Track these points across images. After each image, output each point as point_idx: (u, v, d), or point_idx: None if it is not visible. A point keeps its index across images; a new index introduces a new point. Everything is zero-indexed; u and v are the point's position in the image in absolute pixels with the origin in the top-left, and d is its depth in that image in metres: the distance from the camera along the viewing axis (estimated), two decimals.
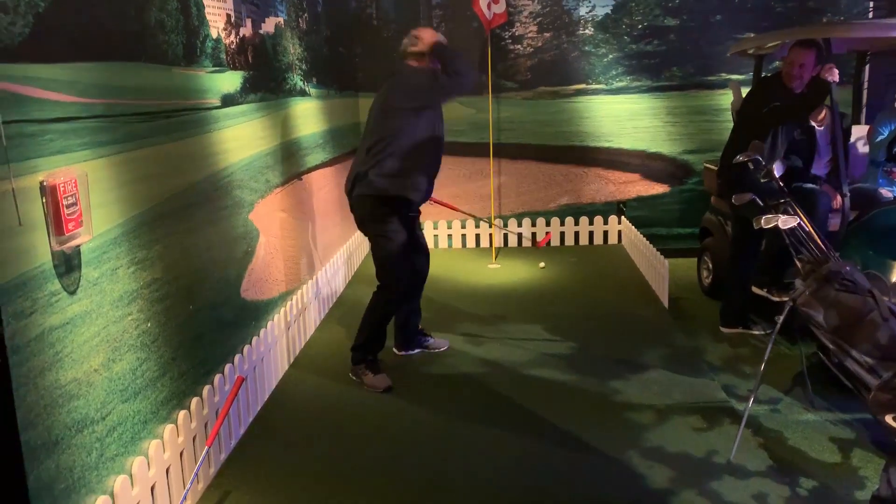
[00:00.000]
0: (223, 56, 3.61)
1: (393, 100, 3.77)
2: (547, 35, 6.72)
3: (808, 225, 3.25)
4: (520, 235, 6.81)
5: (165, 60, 2.96)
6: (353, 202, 3.89)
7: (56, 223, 2.08)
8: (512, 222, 6.88)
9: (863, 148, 4.89)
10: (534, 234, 6.86)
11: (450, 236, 6.95)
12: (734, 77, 6.42)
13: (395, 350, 4.31)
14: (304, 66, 5.13)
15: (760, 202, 3.52)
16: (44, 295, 2.06)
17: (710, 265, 5.22)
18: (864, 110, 5.32)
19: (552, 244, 6.87)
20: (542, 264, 5.34)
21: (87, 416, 2.25)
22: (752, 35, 5.58)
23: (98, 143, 2.40)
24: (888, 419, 2.73)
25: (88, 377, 2.26)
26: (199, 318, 3.11)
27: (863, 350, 2.88)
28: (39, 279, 2.05)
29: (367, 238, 4.01)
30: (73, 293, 2.20)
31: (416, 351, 4.31)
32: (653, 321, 4.75)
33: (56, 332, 2.11)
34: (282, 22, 4.63)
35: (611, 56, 6.70)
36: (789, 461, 3.04)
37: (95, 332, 2.32)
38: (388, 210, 3.82)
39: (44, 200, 2.05)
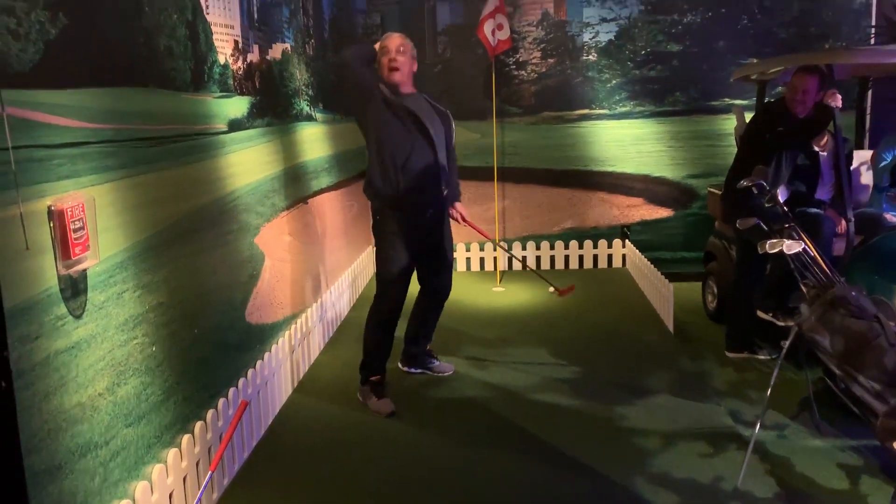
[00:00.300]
0: (231, 81, 3.65)
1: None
2: (551, 61, 6.78)
3: (813, 249, 3.24)
4: (523, 260, 6.81)
5: (173, 86, 3.00)
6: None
7: (63, 247, 2.09)
8: (516, 245, 6.89)
9: (866, 173, 4.89)
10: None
11: (454, 259, 6.95)
12: (737, 102, 6.46)
13: (399, 364, 4.30)
14: (310, 92, 5.18)
15: (765, 227, 3.52)
16: (50, 319, 2.07)
17: (715, 289, 5.21)
18: (867, 135, 5.34)
19: (556, 266, 6.88)
20: (551, 289, 5.34)
21: (91, 441, 2.24)
22: (755, 61, 5.62)
23: (106, 167, 2.42)
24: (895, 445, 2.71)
25: (93, 401, 2.26)
26: (204, 341, 3.11)
27: (870, 375, 2.86)
28: (46, 303, 2.05)
29: None
30: (79, 317, 2.21)
31: (419, 371, 4.30)
32: (658, 345, 4.74)
33: (61, 356, 2.11)
34: (289, 48, 4.68)
35: (614, 81, 6.74)
36: (797, 488, 3.01)
37: (101, 355, 2.32)
38: (380, 218, 3.86)
39: (51, 225, 2.06)
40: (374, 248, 3.96)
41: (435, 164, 3.81)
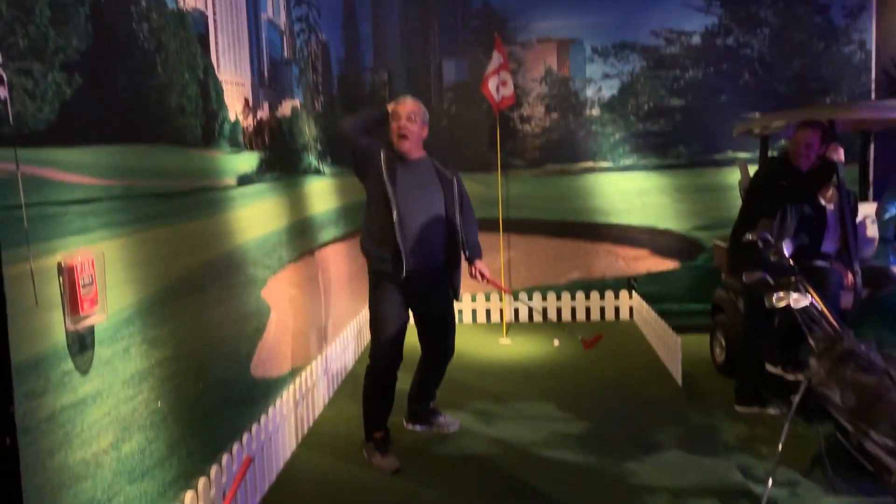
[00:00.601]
0: (240, 138, 3.71)
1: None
2: (555, 115, 6.88)
3: (820, 303, 3.24)
4: (534, 310, 6.79)
5: (185, 143, 3.06)
6: None
7: (72, 303, 2.11)
8: (522, 296, 6.88)
9: (871, 226, 4.90)
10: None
11: (460, 311, 6.95)
12: (741, 155, 6.52)
13: (403, 421, 4.25)
14: (318, 146, 5.26)
15: (771, 280, 3.51)
16: (57, 374, 2.07)
17: (723, 342, 5.18)
18: (870, 188, 5.36)
19: (563, 318, 6.86)
20: (556, 342, 5.33)
21: (94, 498, 2.22)
22: (757, 115, 5.70)
23: (116, 223, 2.45)
24: None
25: (97, 458, 2.25)
26: (209, 395, 3.10)
27: (882, 431, 2.82)
28: (53, 358, 2.06)
29: None
30: (85, 372, 2.21)
31: (424, 428, 4.24)
32: (666, 399, 4.69)
33: (67, 412, 2.11)
34: (298, 104, 4.77)
35: (618, 135, 6.83)
36: None
37: (106, 411, 2.31)
38: (372, 276, 3.83)
39: (61, 280, 2.08)
40: (368, 306, 3.91)
41: (430, 232, 3.75)
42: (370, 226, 3.75)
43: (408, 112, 3.71)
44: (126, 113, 2.58)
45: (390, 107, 3.77)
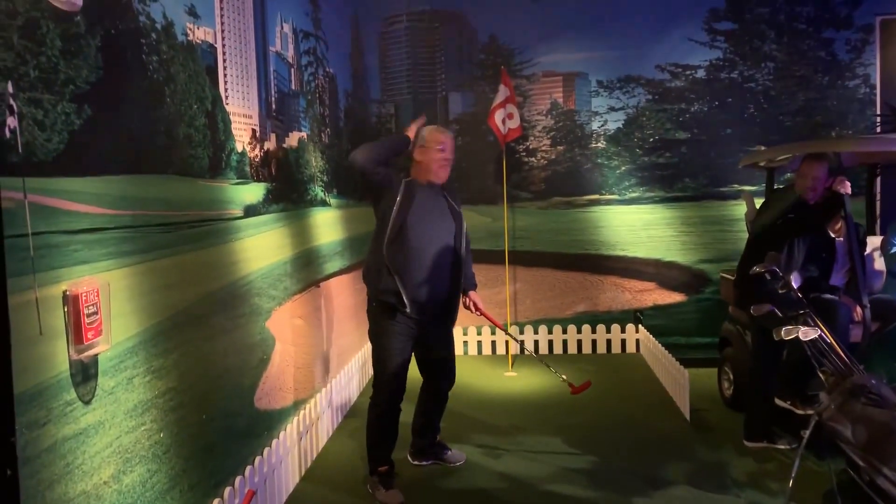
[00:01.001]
0: (247, 168, 3.73)
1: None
2: (560, 148, 6.91)
3: (829, 336, 3.20)
4: (536, 350, 6.75)
5: (192, 173, 3.07)
6: None
7: (76, 332, 2.10)
8: (528, 329, 6.85)
9: (879, 259, 4.88)
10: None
11: (465, 343, 6.91)
12: (746, 188, 6.52)
13: (408, 457, 4.20)
14: (325, 178, 5.28)
15: (779, 313, 3.49)
16: (59, 405, 2.05)
17: (731, 376, 5.13)
18: (877, 221, 5.35)
19: (569, 351, 6.82)
20: (563, 376, 5.30)
21: None
22: (763, 148, 5.73)
23: (122, 252, 2.45)
24: None
25: (97, 490, 2.22)
26: (212, 427, 3.07)
27: (894, 467, 2.77)
28: (56, 388, 2.04)
29: None
30: (87, 402, 2.19)
31: (430, 462, 4.19)
32: (674, 434, 4.63)
33: (68, 443, 2.09)
34: (305, 136, 4.81)
35: (623, 168, 6.85)
36: None
37: (108, 442, 2.29)
38: (376, 309, 3.78)
39: (65, 310, 2.08)
40: (369, 339, 3.89)
41: (440, 263, 3.73)
42: (376, 255, 3.70)
43: (451, 145, 3.80)
44: (134, 143, 2.60)
45: (426, 134, 3.79)
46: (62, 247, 2.13)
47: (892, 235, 4.68)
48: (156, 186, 2.75)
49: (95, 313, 2.17)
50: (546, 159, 6.94)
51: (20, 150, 1.95)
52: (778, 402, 4.32)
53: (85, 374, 2.18)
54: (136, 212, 2.56)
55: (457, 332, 6.86)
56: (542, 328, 6.87)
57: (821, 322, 3.29)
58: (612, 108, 6.78)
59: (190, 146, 3.05)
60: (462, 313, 4.07)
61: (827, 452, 3.43)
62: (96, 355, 2.23)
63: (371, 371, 3.96)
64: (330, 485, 3.98)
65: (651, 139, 6.77)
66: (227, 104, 3.48)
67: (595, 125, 6.84)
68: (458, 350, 6.83)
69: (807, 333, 3.13)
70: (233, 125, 3.54)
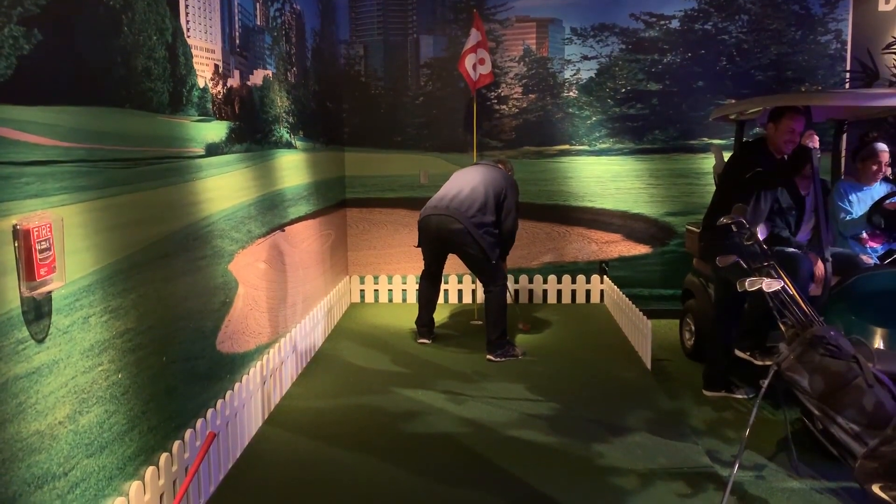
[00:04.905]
0: (209, 106, 3.60)
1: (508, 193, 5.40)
2: (532, 96, 6.82)
3: (792, 288, 3.24)
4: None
5: (150, 107, 2.95)
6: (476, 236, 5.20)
7: (28, 268, 2.02)
8: None
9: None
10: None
11: (446, 291, 6.87)
12: (715, 141, 6.54)
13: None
14: (291, 119, 5.14)
15: (744, 264, 3.51)
16: (10, 343, 1.98)
17: (693, 327, 5.20)
18: (842, 178, 5.40)
19: (534, 301, 6.86)
20: (520, 325, 5.42)
21: (49, 472, 2.15)
22: (733, 101, 5.71)
23: (76, 187, 2.35)
24: (874, 488, 2.68)
25: (52, 429, 2.17)
26: (172, 370, 3.02)
27: (848, 417, 2.84)
28: (6, 326, 1.97)
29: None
30: (41, 341, 2.13)
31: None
32: (636, 382, 4.70)
33: (21, 382, 2.02)
34: (270, 74, 4.65)
35: (594, 118, 6.80)
36: None
37: (63, 382, 2.23)
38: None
39: (16, 244, 1.99)
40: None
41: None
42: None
43: None
44: (89, 73, 2.47)
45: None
46: (12, 178, 2.03)
47: (839, 199, 4.71)
48: (112, 120, 2.64)
49: (48, 249, 2.09)
50: (517, 108, 6.85)
51: None
52: (738, 353, 4.41)
53: (38, 311, 2.11)
54: (91, 145, 2.45)
55: None
56: (509, 277, 6.87)
57: (784, 274, 3.32)
58: (586, 57, 6.70)
59: (149, 79, 2.91)
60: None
61: (783, 402, 3.52)
62: (49, 293, 2.16)
63: (337, 317, 3.91)
64: (293, 429, 3.97)
65: (623, 90, 6.71)
66: (188, 37, 3.34)
67: (567, 73, 6.75)
68: None
69: (770, 285, 3.17)
70: (194, 59, 3.40)
